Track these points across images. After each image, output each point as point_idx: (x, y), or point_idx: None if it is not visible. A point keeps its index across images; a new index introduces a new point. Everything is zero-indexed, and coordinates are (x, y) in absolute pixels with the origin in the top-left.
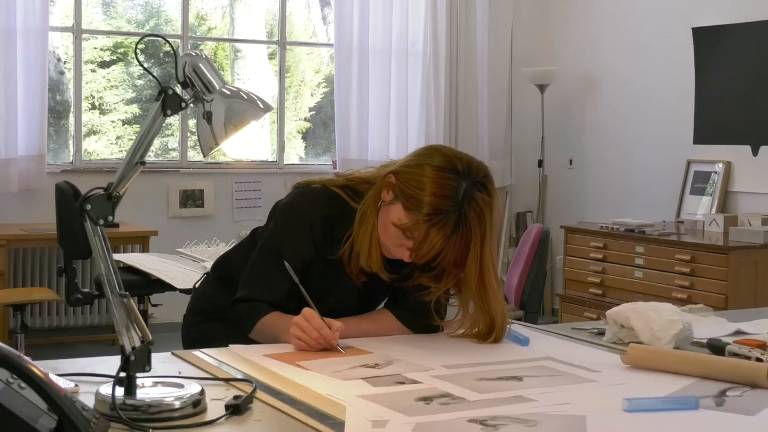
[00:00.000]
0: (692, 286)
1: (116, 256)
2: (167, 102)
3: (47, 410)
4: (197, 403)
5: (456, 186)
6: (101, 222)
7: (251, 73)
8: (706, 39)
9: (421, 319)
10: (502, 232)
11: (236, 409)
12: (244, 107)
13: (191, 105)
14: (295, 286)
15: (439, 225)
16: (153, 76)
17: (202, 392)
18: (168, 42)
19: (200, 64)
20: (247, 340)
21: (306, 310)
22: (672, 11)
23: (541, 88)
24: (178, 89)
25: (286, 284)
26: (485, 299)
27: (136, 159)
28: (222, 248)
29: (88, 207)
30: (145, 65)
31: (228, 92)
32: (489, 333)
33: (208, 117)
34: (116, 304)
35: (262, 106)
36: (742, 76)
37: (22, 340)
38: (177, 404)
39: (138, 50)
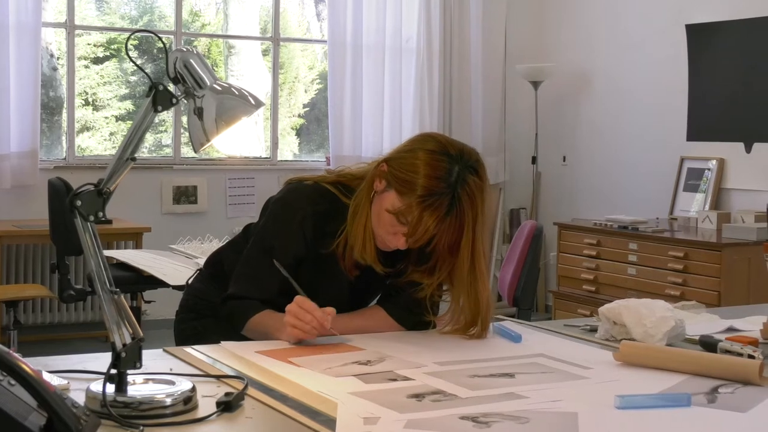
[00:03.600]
0: (685, 283)
1: (109, 253)
2: (158, 98)
3: (37, 407)
4: (188, 400)
5: (449, 168)
6: (91, 218)
7: (245, 70)
8: (700, 36)
9: (414, 316)
10: (495, 228)
11: (227, 406)
12: (235, 103)
13: (182, 101)
14: (286, 283)
15: (433, 207)
16: (144, 71)
17: (193, 389)
18: (159, 38)
19: (191, 60)
20: (239, 337)
21: (297, 298)
22: (666, 8)
23: (535, 84)
24: (170, 85)
25: (277, 281)
26: (474, 287)
27: (126, 155)
28: (215, 245)
29: (78, 203)
30: (139, 61)
31: (219, 88)
32: (473, 322)
33: (199, 113)
34: (107, 301)
35: (253, 103)
36: (735, 73)
37: (14, 337)
38: (168, 401)
39: (129, 46)
